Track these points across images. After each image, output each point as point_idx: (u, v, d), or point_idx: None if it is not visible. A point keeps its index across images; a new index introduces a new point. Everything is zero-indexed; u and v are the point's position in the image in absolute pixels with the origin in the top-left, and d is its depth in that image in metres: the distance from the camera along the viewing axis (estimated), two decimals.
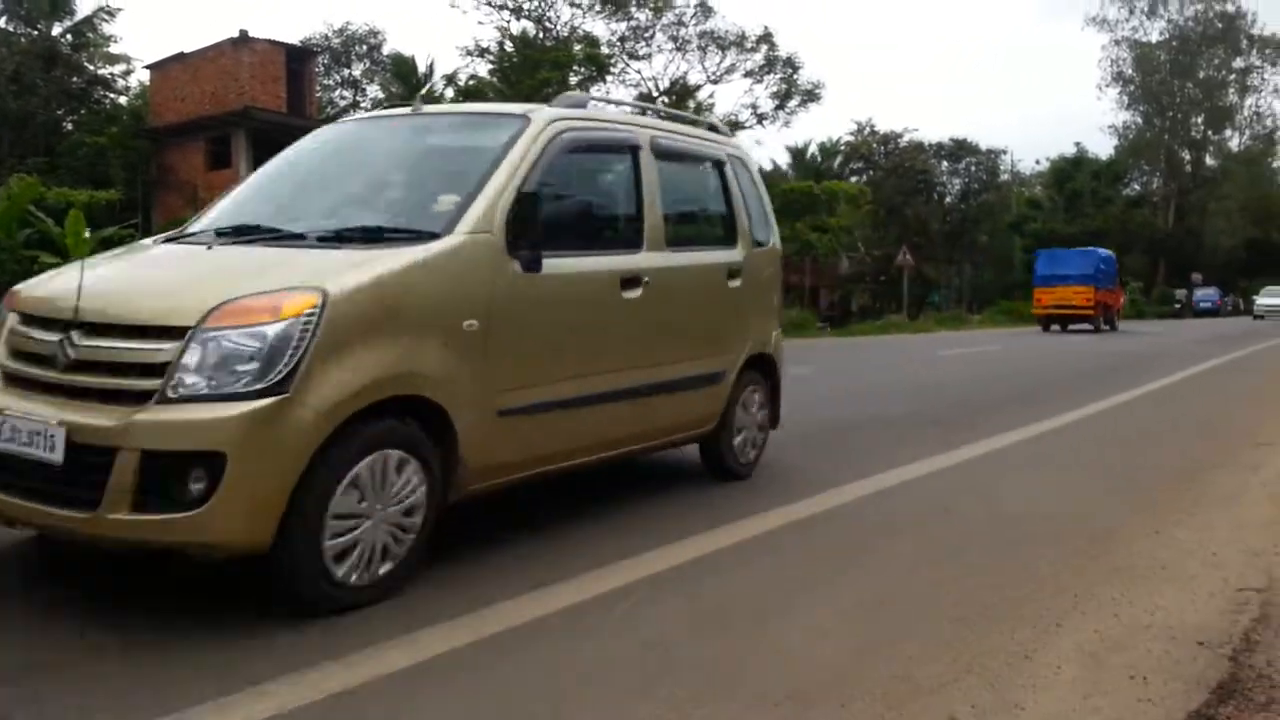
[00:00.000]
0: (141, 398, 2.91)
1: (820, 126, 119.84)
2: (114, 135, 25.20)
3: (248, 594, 3.23)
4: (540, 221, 3.66)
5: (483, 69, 30.99)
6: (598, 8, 28.06)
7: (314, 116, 24.27)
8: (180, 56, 25.49)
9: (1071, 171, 50.37)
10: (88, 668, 2.68)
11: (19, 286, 3.67)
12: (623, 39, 28.72)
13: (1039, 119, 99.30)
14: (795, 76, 29.66)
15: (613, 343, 4.26)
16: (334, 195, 4.18)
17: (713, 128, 5.66)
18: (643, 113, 5.42)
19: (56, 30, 27.33)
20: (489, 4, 27.56)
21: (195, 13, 68.95)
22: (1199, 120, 57.15)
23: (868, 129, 45.42)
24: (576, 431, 4.09)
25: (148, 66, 26.77)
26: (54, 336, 3.16)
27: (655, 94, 29.69)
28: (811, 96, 30.07)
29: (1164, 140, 56.38)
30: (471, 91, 28.32)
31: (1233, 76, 56.88)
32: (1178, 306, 46.31)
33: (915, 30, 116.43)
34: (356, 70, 33.13)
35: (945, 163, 46.88)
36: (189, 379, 2.89)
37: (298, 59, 26.15)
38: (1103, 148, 64.76)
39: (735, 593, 3.50)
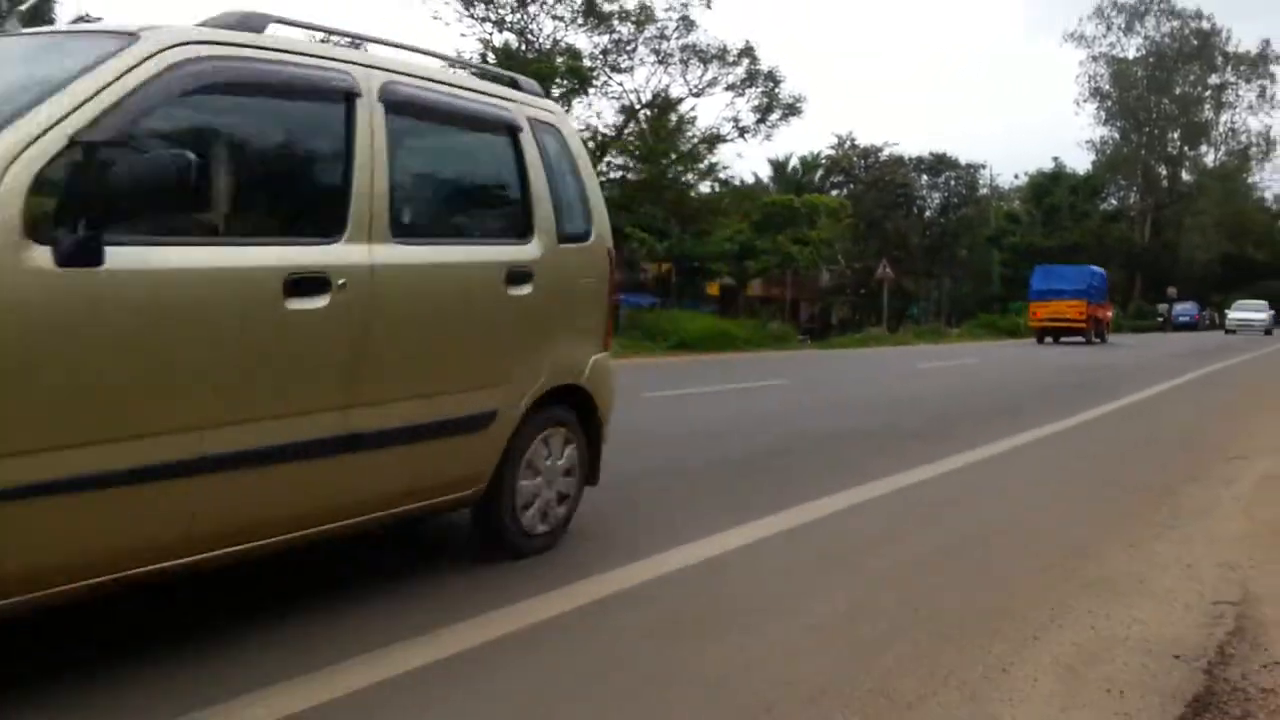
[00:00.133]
0: None
1: (802, 139, 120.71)
2: None
3: (248, 595, 3.20)
4: (111, 189, 2.47)
5: None
6: (580, 21, 28.10)
7: None
8: None
9: (1050, 186, 50.89)
10: (99, 670, 2.65)
11: None
12: (605, 52, 28.70)
13: (1021, 129, 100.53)
14: (777, 90, 29.76)
15: (270, 375, 2.93)
16: None
17: (513, 83, 4.24)
18: (364, 47, 4.02)
19: None
20: (471, 16, 27.50)
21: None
22: (1175, 136, 58.03)
23: (848, 143, 45.84)
24: (177, 514, 2.69)
25: None
26: None
27: (637, 106, 29.70)
28: (793, 110, 30.17)
29: (1140, 155, 57.20)
30: None
31: (1208, 93, 57.85)
32: (1160, 321, 46.96)
33: (899, 38, 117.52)
34: None
35: (925, 176, 47.34)
36: None
37: None
38: (1080, 162, 65.51)
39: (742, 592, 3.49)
